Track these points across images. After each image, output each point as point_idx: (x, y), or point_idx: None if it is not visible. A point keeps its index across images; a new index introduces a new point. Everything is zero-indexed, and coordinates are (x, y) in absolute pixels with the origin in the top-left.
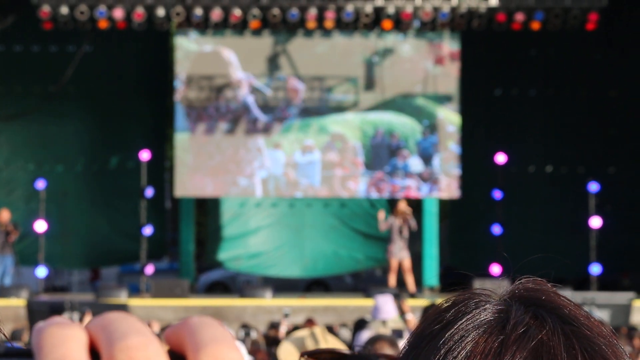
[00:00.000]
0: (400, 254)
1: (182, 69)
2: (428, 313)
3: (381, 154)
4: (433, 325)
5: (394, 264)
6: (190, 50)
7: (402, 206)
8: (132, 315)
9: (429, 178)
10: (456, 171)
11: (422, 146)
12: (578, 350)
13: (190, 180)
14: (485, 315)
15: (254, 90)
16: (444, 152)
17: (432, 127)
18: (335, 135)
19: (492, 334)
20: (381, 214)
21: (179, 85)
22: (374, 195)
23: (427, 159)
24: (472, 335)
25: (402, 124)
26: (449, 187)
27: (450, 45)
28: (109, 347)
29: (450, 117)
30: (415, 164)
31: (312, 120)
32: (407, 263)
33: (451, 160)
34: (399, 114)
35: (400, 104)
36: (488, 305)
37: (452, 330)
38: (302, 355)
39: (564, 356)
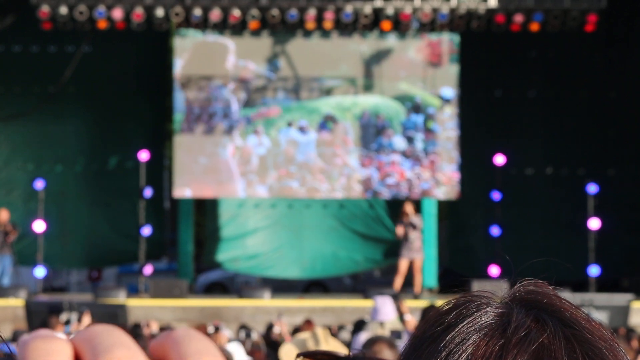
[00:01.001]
0: (409, 255)
1: (182, 52)
2: (428, 316)
3: (368, 133)
4: (434, 328)
5: (401, 265)
6: (190, 37)
7: (407, 208)
8: (117, 328)
9: (411, 155)
10: (439, 149)
11: (406, 126)
12: (579, 354)
13: (189, 181)
14: (487, 318)
15: (258, 76)
16: (425, 133)
17: (413, 108)
18: (327, 116)
19: (493, 337)
20: (399, 230)
21: (178, 66)
22: (363, 170)
23: (410, 138)
24: (473, 338)
25: (387, 106)
26: (433, 164)
27: (449, 46)
28: None
29: (429, 100)
30: (399, 142)
31: (305, 103)
32: (417, 263)
33: (432, 139)
34: (384, 97)
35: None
36: (489, 308)
37: (453, 333)
38: (297, 356)
39: None
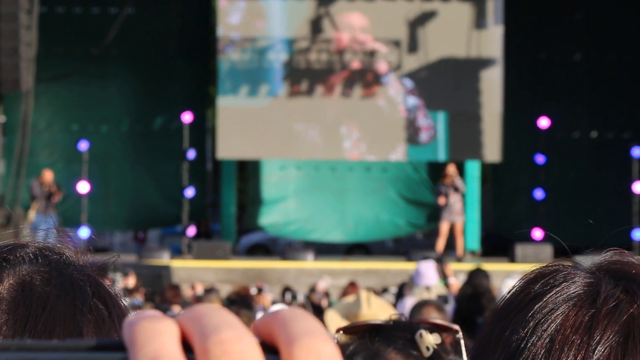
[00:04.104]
0: (450, 218)
1: (226, 15)
2: (514, 285)
3: None
4: (520, 297)
5: (442, 228)
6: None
7: (450, 170)
8: (222, 308)
9: None
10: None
11: None
12: None
13: (233, 142)
14: (575, 289)
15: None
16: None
17: None
18: None
19: (583, 307)
20: (441, 200)
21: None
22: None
23: None
24: (562, 309)
25: None
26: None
27: (494, 8)
28: (202, 341)
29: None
30: None
31: None
32: (458, 226)
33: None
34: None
35: None
36: (577, 278)
37: (541, 302)
38: (337, 331)
39: None
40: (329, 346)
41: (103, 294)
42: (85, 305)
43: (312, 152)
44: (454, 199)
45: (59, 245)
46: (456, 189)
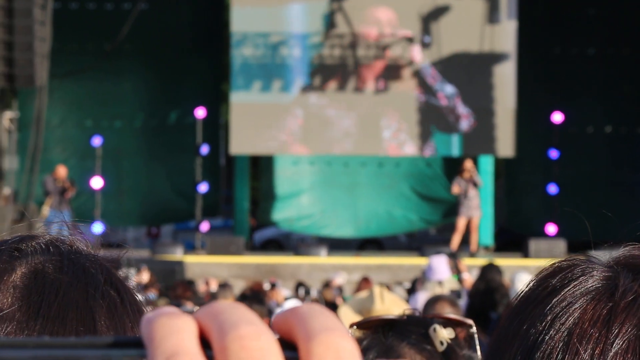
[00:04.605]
0: (467, 213)
1: (239, 7)
2: (531, 279)
3: None
4: (538, 291)
5: (459, 223)
6: None
7: (468, 165)
8: (241, 304)
9: None
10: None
11: None
12: None
13: (246, 138)
14: (593, 282)
15: (315, 34)
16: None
17: None
18: None
19: (601, 300)
20: (455, 188)
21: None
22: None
23: None
24: (580, 302)
25: None
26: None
27: (507, 2)
28: (220, 337)
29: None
30: None
31: None
32: (475, 221)
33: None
34: None
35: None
36: (595, 272)
37: (559, 296)
38: (351, 326)
39: None
40: (348, 342)
41: (114, 281)
42: (97, 291)
43: (330, 147)
44: (472, 194)
45: (70, 237)
46: (475, 184)
